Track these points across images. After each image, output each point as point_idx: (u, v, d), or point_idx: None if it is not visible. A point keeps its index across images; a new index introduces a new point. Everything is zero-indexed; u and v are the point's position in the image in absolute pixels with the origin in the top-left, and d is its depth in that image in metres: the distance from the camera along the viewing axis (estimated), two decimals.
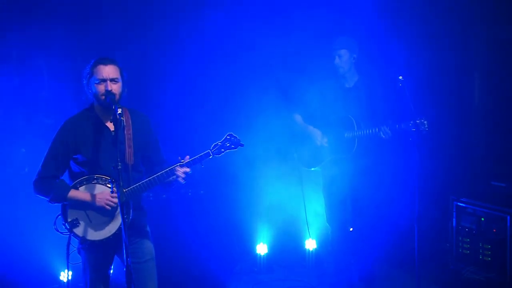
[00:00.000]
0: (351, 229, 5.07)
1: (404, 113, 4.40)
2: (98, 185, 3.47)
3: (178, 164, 3.48)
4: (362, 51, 4.95)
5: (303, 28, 5.85)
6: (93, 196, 3.46)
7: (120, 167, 3.12)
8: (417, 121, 4.32)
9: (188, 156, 3.51)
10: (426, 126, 4.31)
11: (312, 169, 5.15)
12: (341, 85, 4.99)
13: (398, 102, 4.47)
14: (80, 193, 3.46)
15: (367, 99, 4.86)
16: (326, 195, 5.13)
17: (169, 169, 3.48)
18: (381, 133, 4.63)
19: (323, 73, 5.11)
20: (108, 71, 3.45)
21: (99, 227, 3.48)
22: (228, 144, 3.55)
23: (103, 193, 3.46)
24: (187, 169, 3.48)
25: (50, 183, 3.47)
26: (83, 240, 3.47)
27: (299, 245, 5.97)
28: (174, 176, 3.49)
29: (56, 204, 3.49)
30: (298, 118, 5.15)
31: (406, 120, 4.42)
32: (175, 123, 5.73)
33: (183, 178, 3.49)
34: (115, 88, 3.47)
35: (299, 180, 5.41)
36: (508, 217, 4.73)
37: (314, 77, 5.21)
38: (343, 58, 4.86)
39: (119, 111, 3.23)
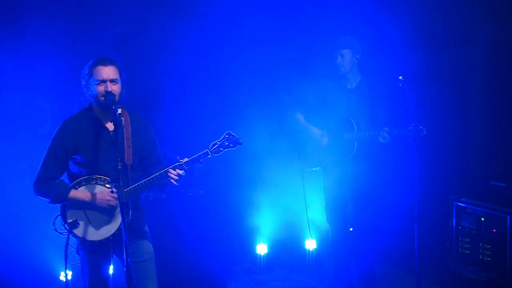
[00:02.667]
0: (351, 229, 5.07)
1: (405, 114, 4.40)
2: (97, 186, 3.48)
3: (172, 166, 3.48)
4: (364, 52, 4.93)
5: (306, 27, 5.84)
6: (93, 196, 3.46)
7: (120, 167, 3.12)
8: (416, 127, 4.32)
9: (186, 158, 3.51)
10: (424, 132, 4.32)
11: (313, 169, 5.15)
12: (343, 85, 4.96)
13: (399, 103, 4.46)
14: (81, 194, 3.47)
15: (369, 100, 4.85)
16: (327, 195, 5.13)
17: (163, 171, 3.48)
18: (380, 138, 4.64)
19: (326, 73, 5.09)
20: (108, 71, 3.45)
21: (98, 227, 3.49)
22: (226, 143, 3.55)
23: (103, 193, 3.46)
24: (181, 171, 3.48)
25: (51, 184, 3.47)
26: (82, 240, 3.48)
27: (299, 245, 5.97)
28: (169, 178, 3.49)
29: (56, 204, 3.49)
30: (299, 117, 5.13)
31: (405, 125, 4.42)
32: (175, 122, 5.72)
33: (176, 180, 3.49)
34: (115, 88, 3.47)
35: (301, 179, 5.39)
36: (508, 217, 4.73)
37: (317, 76, 5.20)
38: (346, 58, 4.84)
39: (119, 111, 3.23)
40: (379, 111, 4.82)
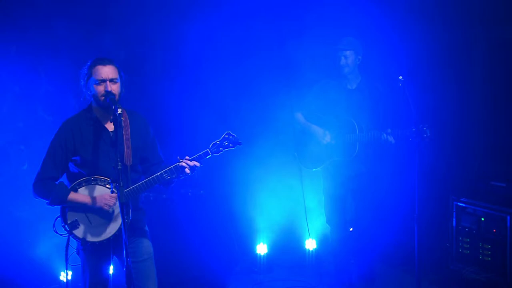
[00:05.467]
0: (351, 229, 5.06)
1: (407, 116, 4.38)
2: (97, 186, 3.48)
3: (172, 166, 3.48)
4: (365, 52, 4.92)
5: (307, 27, 5.81)
6: (93, 198, 3.46)
7: (120, 167, 3.12)
8: (419, 128, 4.31)
9: (187, 157, 3.51)
10: (428, 133, 4.31)
11: (313, 169, 5.14)
12: (343, 86, 4.95)
13: (401, 104, 4.45)
14: (80, 196, 3.46)
15: (369, 101, 4.84)
16: (327, 195, 5.12)
17: (173, 167, 3.47)
18: (383, 139, 4.63)
19: (326, 73, 5.08)
20: (107, 71, 3.45)
21: (99, 228, 3.49)
22: (226, 143, 3.55)
23: (103, 195, 3.46)
24: (197, 163, 3.49)
25: (50, 185, 3.47)
26: (83, 241, 3.48)
27: (299, 245, 5.98)
28: (174, 175, 3.49)
29: (55, 206, 3.49)
30: (299, 116, 5.11)
31: (408, 126, 4.41)
32: (175, 123, 5.73)
33: (188, 173, 3.48)
34: (115, 88, 3.46)
35: (300, 180, 5.38)
36: (508, 217, 4.74)
37: (317, 76, 5.19)
38: (349, 59, 4.84)
39: (119, 111, 3.23)
40: (380, 112, 4.81)
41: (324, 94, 4.98)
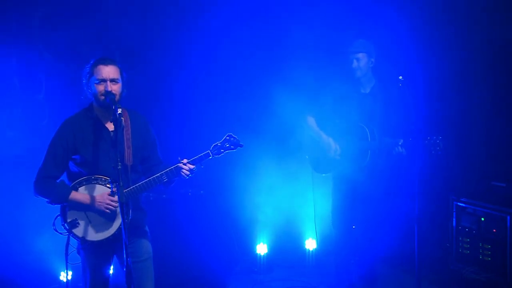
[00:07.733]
0: (353, 226, 5.02)
1: (418, 122, 4.33)
2: (98, 186, 3.48)
3: (173, 167, 3.50)
4: (379, 55, 4.83)
5: (318, 28, 5.75)
6: (93, 198, 3.46)
7: (120, 167, 3.12)
8: (432, 140, 4.25)
9: (185, 160, 3.52)
10: (441, 145, 4.23)
11: (323, 174, 5.05)
12: (356, 90, 4.84)
13: (414, 110, 4.40)
14: (81, 195, 3.46)
15: (383, 106, 4.73)
16: (335, 199, 5.02)
17: (173, 168, 3.49)
18: (395, 150, 4.55)
19: (339, 76, 4.96)
20: (109, 71, 3.45)
21: (98, 227, 3.49)
22: (227, 145, 3.57)
23: (103, 195, 3.46)
24: (192, 166, 3.51)
25: (51, 184, 3.47)
26: (82, 240, 3.48)
27: (299, 245, 5.98)
28: (175, 176, 3.50)
29: (55, 205, 3.49)
30: (311, 121, 4.96)
31: (420, 136, 4.30)
32: (177, 123, 5.73)
33: (187, 175, 3.51)
34: (115, 88, 3.46)
35: (311, 183, 5.29)
36: (508, 217, 4.74)
37: (330, 79, 5.06)
38: (361, 62, 4.73)
39: (119, 111, 3.23)
40: (393, 117, 4.69)
41: (336, 98, 4.84)
